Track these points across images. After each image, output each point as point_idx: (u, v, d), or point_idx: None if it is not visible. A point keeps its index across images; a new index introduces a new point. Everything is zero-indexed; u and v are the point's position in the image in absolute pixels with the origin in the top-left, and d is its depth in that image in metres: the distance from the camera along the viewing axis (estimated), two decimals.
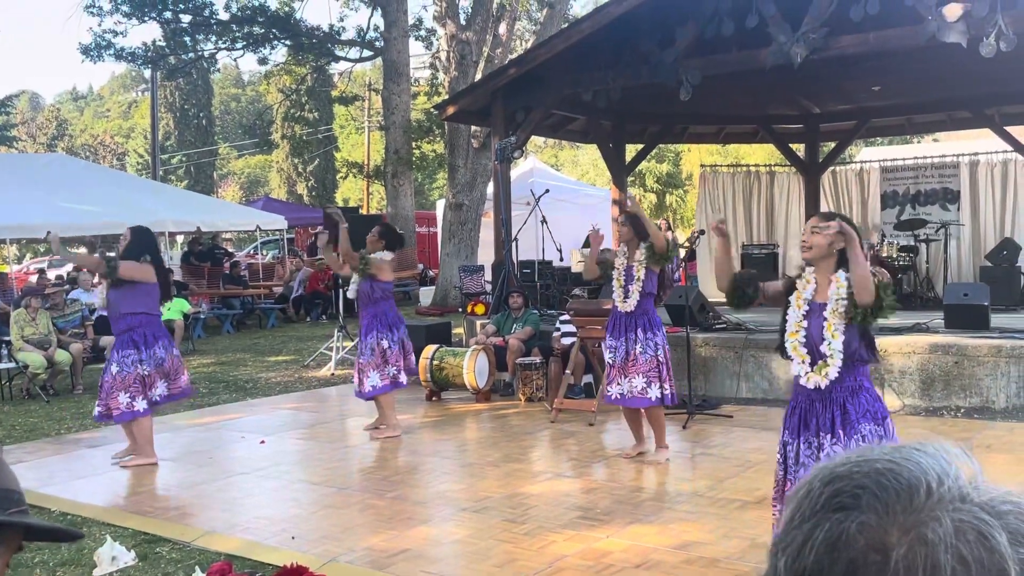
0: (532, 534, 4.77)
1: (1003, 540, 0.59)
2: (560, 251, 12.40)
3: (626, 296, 6.11)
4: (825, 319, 3.63)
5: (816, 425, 3.61)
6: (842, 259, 3.66)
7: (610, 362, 6.19)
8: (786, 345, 3.76)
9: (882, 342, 7.86)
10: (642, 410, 6.24)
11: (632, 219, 6.26)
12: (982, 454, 6.09)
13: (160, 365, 6.52)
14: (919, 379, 7.68)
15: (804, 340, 3.69)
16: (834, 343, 3.60)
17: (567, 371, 7.88)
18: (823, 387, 3.62)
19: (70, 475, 6.44)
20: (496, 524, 4.95)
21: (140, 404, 6.42)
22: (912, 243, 12.01)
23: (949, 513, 0.61)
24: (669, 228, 18.22)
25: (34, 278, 16.73)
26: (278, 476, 6.22)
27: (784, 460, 3.72)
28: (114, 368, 6.40)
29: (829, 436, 3.57)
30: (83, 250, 6.56)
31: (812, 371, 3.65)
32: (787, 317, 3.78)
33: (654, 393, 6.02)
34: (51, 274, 18.01)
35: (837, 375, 3.59)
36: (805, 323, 3.70)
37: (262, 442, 7.24)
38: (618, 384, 6.11)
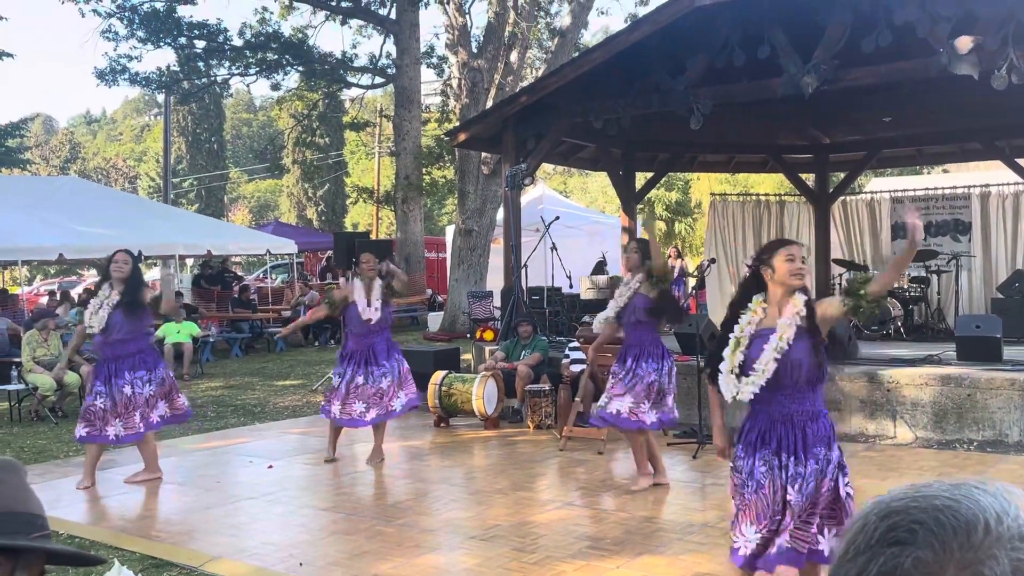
0: (541, 564, 4.73)
1: None
2: (569, 278, 12.39)
3: (619, 322, 6.29)
4: (772, 338, 3.64)
5: (776, 446, 3.63)
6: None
7: (611, 384, 6.29)
8: (719, 371, 3.77)
9: (894, 373, 7.82)
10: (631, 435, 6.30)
11: (642, 245, 6.30)
12: None
13: (162, 385, 6.68)
14: (931, 411, 7.63)
15: (740, 366, 3.71)
16: (769, 359, 3.61)
17: (576, 398, 7.84)
18: (750, 398, 3.66)
19: (78, 498, 6.42)
20: (505, 553, 4.91)
21: (153, 418, 6.61)
22: (923, 274, 11.97)
23: (1007, 552, 0.60)
24: (679, 256, 18.21)
25: (44, 300, 16.80)
26: (286, 501, 6.19)
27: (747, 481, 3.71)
28: (127, 390, 6.45)
29: (788, 456, 3.60)
30: (156, 289, 6.77)
31: (742, 384, 3.68)
32: (725, 347, 3.78)
33: (649, 418, 6.09)
34: (74, 293, 18.06)
35: (795, 395, 3.61)
36: (742, 354, 3.71)
37: (270, 467, 7.21)
38: (619, 400, 6.16)
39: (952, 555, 0.61)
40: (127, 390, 6.46)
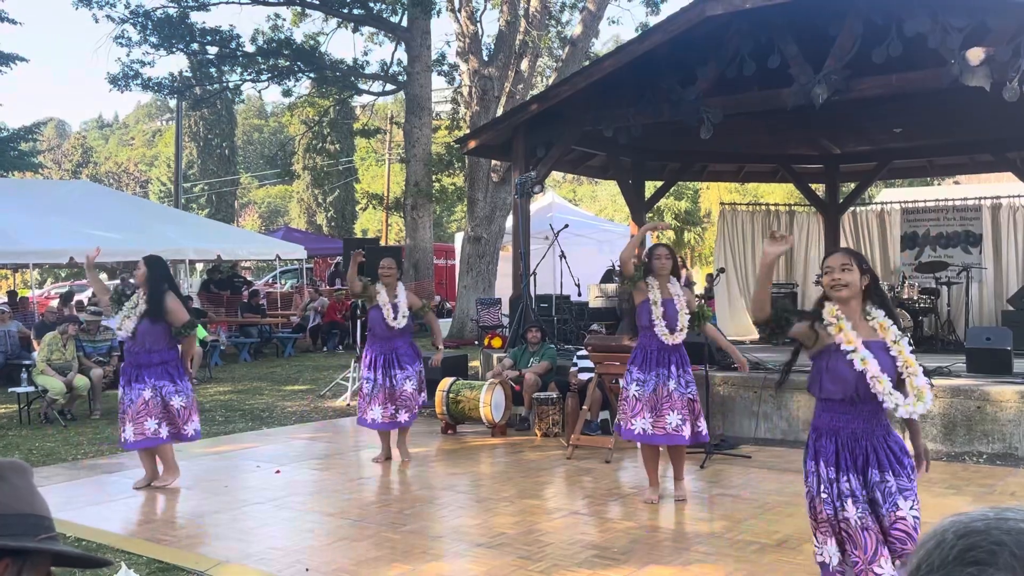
0: (548, 572, 4.72)
1: None
2: (578, 286, 12.38)
3: (674, 330, 6.04)
4: (895, 354, 3.52)
5: (863, 461, 3.51)
6: (867, 295, 3.59)
7: (636, 396, 6.07)
8: (870, 382, 3.51)
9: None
10: (662, 448, 6.21)
11: (673, 252, 6.26)
12: (1006, 502, 5.99)
13: (192, 399, 6.73)
14: (941, 424, 7.59)
15: (882, 370, 3.52)
16: (920, 376, 3.51)
17: (584, 407, 7.84)
18: (920, 415, 3.54)
19: (85, 501, 6.44)
20: (511, 562, 4.91)
21: (164, 431, 6.58)
22: (933, 285, 11.93)
23: None
24: (684, 266, 18.14)
25: (55, 303, 16.87)
26: (293, 506, 6.20)
27: (830, 496, 3.57)
28: (148, 394, 6.48)
29: (874, 471, 3.50)
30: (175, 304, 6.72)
31: (907, 402, 3.51)
32: (847, 359, 3.53)
33: (688, 431, 5.99)
34: (83, 296, 18.13)
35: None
36: (872, 357, 3.50)
37: (277, 472, 7.22)
38: (642, 419, 6.01)
39: None
40: (147, 394, 6.50)
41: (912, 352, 3.57)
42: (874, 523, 3.47)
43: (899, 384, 3.57)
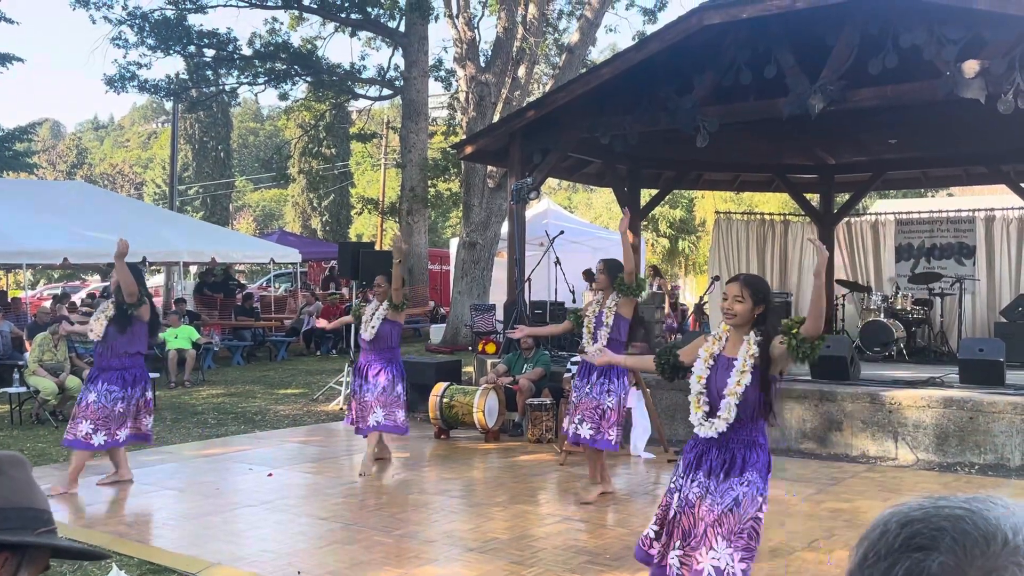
0: None
1: None
2: (572, 292, 12.40)
3: (594, 340, 6.26)
4: (732, 374, 3.76)
5: (708, 468, 3.75)
6: (756, 321, 3.82)
7: (574, 402, 6.47)
8: (689, 395, 3.91)
9: (896, 395, 7.81)
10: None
11: (610, 266, 6.37)
12: None
13: (132, 404, 6.68)
14: (933, 434, 7.61)
15: (705, 390, 3.85)
16: (731, 399, 3.73)
17: None
18: (716, 436, 3.76)
19: (76, 501, 6.41)
20: (503, 566, 4.90)
21: (99, 439, 6.56)
22: (927, 296, 11.96)
23: None
24: (657, 274, 18.02)
25: (48, 303, 16.83)
26: (285, 510, 6.18)
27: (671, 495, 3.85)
28: (91, 396, 6.53)
29: (710, 477, 3.71)
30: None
31: (706, 423, 3.79)
32: (692, 370, 3.94)
33: (585, 432, 6.25)
34: (76, 298, 18.09)
35: (734, 426, 3.74)
36: (706, 376, 3.86)
37: (269, 475, 7.20)
38: (571, 422, 6.38)
39: (974, 562, 0.64)
40: (91, 397, 6.54)
41: (758, 371, 3.74)
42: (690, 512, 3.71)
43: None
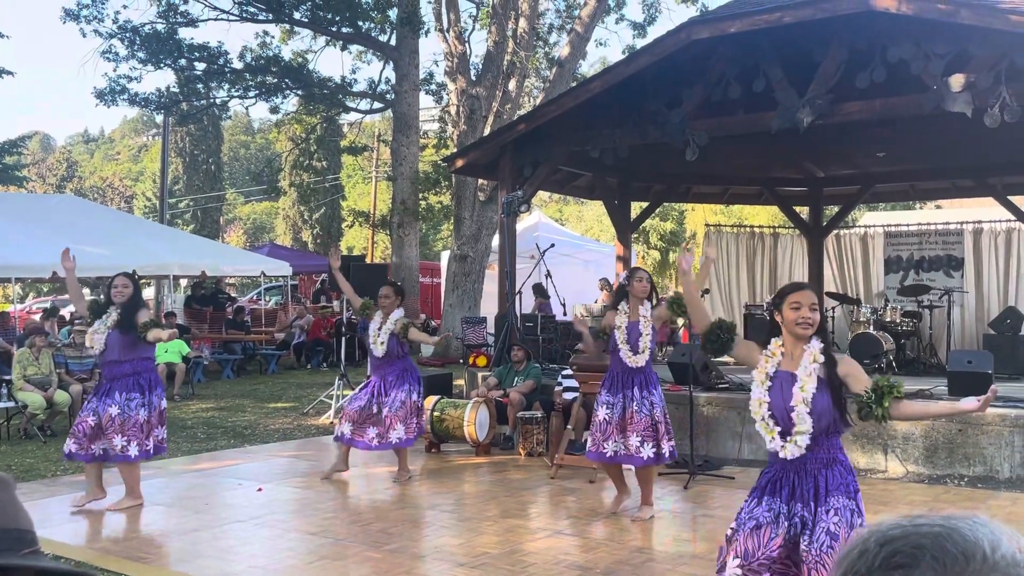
0: None
1: None
2: (564, 305, 12.40)
3: (636, 352, 6.13)
4: (796, 389, 3.53)
5: (788, 494, 3.51)
6: (818, 330, 3.62)
7: (606, 418, 6.18)
8: (756, 423, 3.66)
9: None
10: (625, 466, 6.28)
11: (650, 278, 6.36)
12: None
13: (154, 412, 6.59)
14: (923, 446, 7.63)
15: (770, 413, 3.59)
16: (800, 408, 3.49)
17: (568, 426, 7.83)
18: (797, 456, 3.50)
19: (64, 517, 6.37)
20: None
21: (134, 450, 6.44)
22: (916, 309, 12.01)
23: None
24: (607, 288, 17.88)
25: (37, 317, 16.74)
26: (274, 525, 6.15)
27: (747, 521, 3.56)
28: (114, 410, 6.40)
29: (800, 505, 3.46)
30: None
31: (786, 443, 3.53)
32: (751, 394, 3.69)
33: (647, 452, 6.04)
34: (65, 312, 17.98)
35: (809, 444, 3.49)
36: (768, 397, 3.60)
37: (259, 490, 7.17)
38: (614, 442, 6.11)
39: None
40: (113, 410, 6.42)
41: (816, 388, 3.53)
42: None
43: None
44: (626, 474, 6.45)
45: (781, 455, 3.52)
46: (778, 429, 3.54)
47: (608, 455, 6.14)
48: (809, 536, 3.38)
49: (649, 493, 6.29)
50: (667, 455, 6.15)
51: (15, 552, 1.13)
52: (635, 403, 6.08)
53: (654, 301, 6.31)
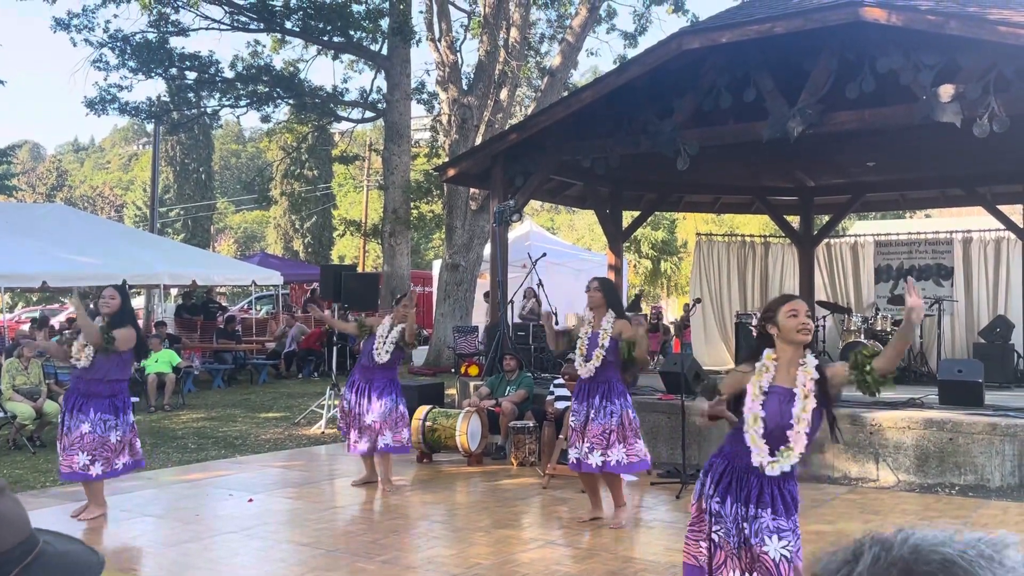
0: None
1: None
2: (555, 314, 12.40)
3: (586, 361, 6.19)
4: (795, 403, 3.56)
5: (745, 496, 3.55)
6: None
7: (572, 426, 6.35)
8: (745, 437, 3.64)
9: (877, 416, 7.85)
10: (597, 475, 6.32)
11: (604, 285, 6.35)
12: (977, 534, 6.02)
13: (126, 433, 6.57)
14: (914, 455, 7.64)
15: (762, 430, 3.59)
16: (800, 429, 3.53)
17: (560, 436, 7.82)
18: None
19: (53, 529, 6.31)
20: None
21: (97, 469, 6.41)
22: None
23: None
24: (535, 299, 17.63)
25: (26, 326, 16.66)
26: (265, 536, 6.12)
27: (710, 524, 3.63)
28: (85, 427, 6.36)
29: (756, 508, 3.53)
30: (91, 319, 6.67)
31: (774, 459, 3.55)
32: (745, 409, 3.67)
33: (595, 460, 6.10)
34: (55, 321, 17.91)
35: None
36: (763, 412, 3.60)
37: (250, 500, 7.13)
38: (575, 448, 6.26)
39: None
40: (84, 428, 6.37)
41: (818, 403, 3.57)
42: (735, 548, 3.53)
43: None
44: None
45: (768, 472, 3.55)
46: (768, 447, 3.57)
47: (571, 462, 6.32)
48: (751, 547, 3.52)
49: (619, 495, 6.40)
50: (613, 463, 6.12)
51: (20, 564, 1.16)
52: (593, 411, 6.17)
53: (643, 309, 6.34)
